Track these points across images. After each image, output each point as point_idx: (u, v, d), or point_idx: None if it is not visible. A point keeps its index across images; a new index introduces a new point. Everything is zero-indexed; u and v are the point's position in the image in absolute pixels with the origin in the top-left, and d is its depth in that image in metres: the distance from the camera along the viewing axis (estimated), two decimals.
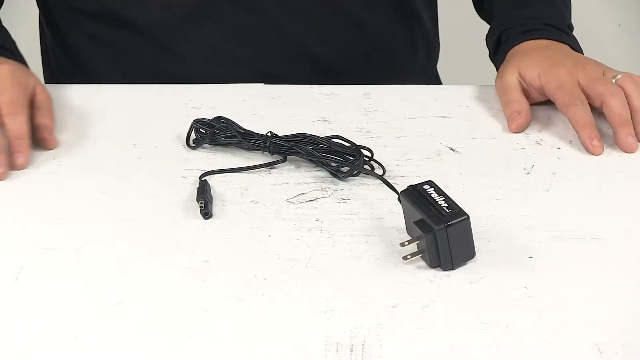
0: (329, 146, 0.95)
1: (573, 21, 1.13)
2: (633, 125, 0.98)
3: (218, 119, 0.99)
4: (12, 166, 0.96)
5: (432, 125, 1.02)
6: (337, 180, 0.94)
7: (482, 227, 0.87)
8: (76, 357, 0.75)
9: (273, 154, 0.97)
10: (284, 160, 0.97)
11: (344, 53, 1.16)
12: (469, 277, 0.82)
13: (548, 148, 0.99)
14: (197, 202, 0.90)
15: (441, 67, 1.34)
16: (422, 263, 0.83)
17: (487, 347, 0.75)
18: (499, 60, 1.10)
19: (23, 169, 0.96)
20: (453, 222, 0.82)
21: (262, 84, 1.10)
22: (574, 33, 1.10)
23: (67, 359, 0.75)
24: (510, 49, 1.08)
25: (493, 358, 0.74)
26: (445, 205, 0.83)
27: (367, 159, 0.95)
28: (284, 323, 0.78)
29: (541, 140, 1.01)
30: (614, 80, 1.00)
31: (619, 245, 0.86)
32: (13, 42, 1.08)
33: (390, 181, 0.92)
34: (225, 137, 0.98)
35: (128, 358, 0.75)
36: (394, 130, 1.02)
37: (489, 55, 1.14)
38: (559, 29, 1.09)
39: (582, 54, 1.07)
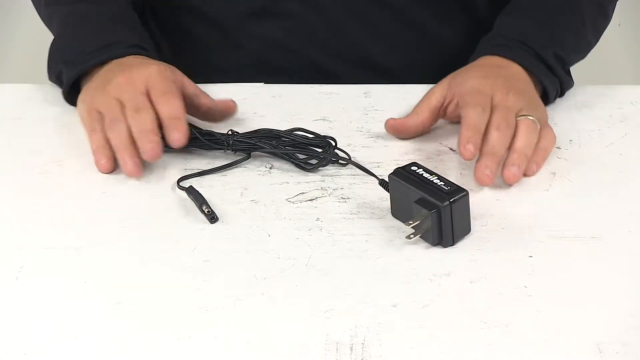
0: (292, 139, 0.95)
1: None
2: (503, 161, 0.92)
3: None
4: (169, 142, 0.94)
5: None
6: (335, 178, 0.94)
7: (482, 226, 0.87)
8: (76, 357, 0.75)
9: (236, 152, 0.97)
10: (249, 157, 0.96)
11: (404, 59, 1.16)
12: (469, 277, 0.82)
13: None
14: (200, 210, 0.89)
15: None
16: (422, 263, 0.83)
17: (487, 347, 0.75)
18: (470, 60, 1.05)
19: (179, 145, 0.94)
20: (456, 197, 0.83)
21: (262, 84, 1.10)
22: None
23: (67, 359, 0.75)
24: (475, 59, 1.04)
25: (493, 358, 0.74)
26: (442, 183, 0.84)
27: (332, 147, 0.95)
28: (284, 323, 0.78)
29: None
30: (518, 118, 0.93)
31: (619, 245, 0.86)
32: (151, 43, 1.08)
33: None
34: None
35: (128, 358, 0.75)
36: None
37: None
38: (531, 48, 1.02)
39: (554, 86, 1.02)
